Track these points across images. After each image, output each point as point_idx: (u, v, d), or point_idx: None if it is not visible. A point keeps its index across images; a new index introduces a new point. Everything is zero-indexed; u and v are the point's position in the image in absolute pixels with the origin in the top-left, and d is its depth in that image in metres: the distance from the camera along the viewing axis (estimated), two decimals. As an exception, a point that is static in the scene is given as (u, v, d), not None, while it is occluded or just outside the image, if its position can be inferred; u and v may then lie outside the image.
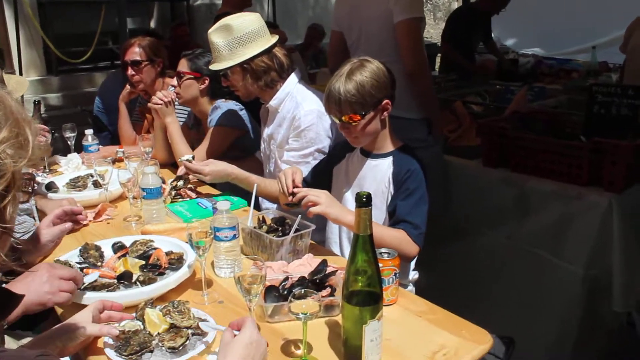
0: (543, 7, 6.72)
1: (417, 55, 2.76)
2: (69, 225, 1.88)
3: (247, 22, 2.40)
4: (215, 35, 2.41)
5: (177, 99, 2.95)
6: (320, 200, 1.89)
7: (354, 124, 1.97)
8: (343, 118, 1.97)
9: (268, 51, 2.43)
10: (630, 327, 2.87)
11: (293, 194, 1.97)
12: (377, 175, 2.08)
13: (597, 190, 2.56)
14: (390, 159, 2.07)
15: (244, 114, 2.94)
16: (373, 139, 2.07)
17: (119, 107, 3.42)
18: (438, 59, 9.91)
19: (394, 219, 1.97)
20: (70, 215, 1.89)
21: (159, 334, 1.46)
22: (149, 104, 2.93)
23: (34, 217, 2.31)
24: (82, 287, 1.69)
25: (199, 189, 2.67)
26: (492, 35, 5.88)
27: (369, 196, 1.29)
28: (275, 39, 2.46)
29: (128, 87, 3.35)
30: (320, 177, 2.27)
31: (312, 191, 1.92)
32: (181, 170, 2.58)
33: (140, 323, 1.51)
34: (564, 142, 2.68)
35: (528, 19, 7.09)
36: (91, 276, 1.73)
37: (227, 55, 2.40)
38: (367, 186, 2.10)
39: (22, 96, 3.95)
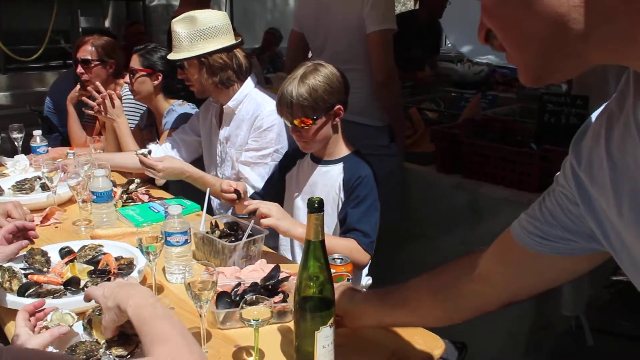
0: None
1: (388, 66, 2.77)
2: (25, 242, 1.79)
3: (213, 17, 2.38)
4: (179, 25, 2.38)
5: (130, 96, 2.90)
6: (271, 213, 1.88)
7: (305, 127, 1.96)
8: (295, 121, 1.96)
9: (229, 49, 2.40)
10: (579, 330, 2.94)
11: (237, 192, 2.03)
12: (328, 181, 2.08)
13: (546, 197, 2.61)
14: (340, 165, 2.07)
15: (199, 117, 2.90)
16: (324, 145, 2.06)
17: (67, 108, 3.33)
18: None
19: (345, 227, 1.97)
20: (22, 230, 1.81)
21: (106, 342, 1.42)
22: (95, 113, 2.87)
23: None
24: (27, 294, 1.63)
25: (152, 192, 2.61)
26: (443, 46, 5.80)
27: (321, 202, 1.28)
28: (238, 40, 2.44)
29: (78, 87, 3.26)
30: (274, 186, 2.26)
31: (263, 204, 1.91)
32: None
33: (67, 312, 1.46)
34: (515, 150, 2.73)
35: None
36: None
37: (187, 46, 2.37)
38: (318, 193, 2.09)
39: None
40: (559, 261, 0.99)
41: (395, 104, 2.92)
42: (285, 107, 1.96)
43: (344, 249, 1.86)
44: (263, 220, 1.87)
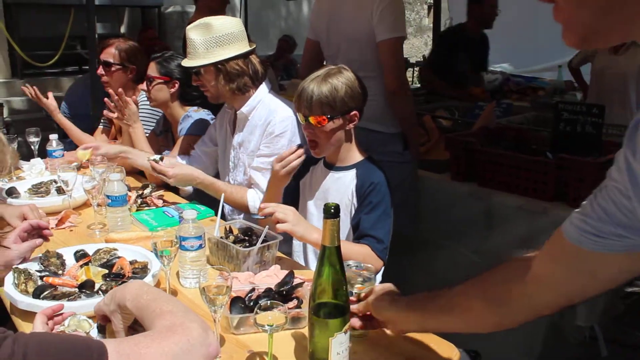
0: (511, 25, 6.84)
1: (399, 74, 2.79)
2: (39, 241, 1.81)
3: (228, 23, 2.38)
4: (194, 32, 2.38)
5: (147, 102, 2.92)
6: (287, 218, 1.87)
7: (319, 126, 1.96)
8: (310, 118, 1.96)
9: (244, 56, 2.41)
10: (593, 340, 2.91)
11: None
12: (341, 187, 2.08)
13: (562, 206, 2.59)
14: (353, 172, 2.06)
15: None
16: (336, 150, 2.06)
17: (58, 120, 3.33)
18: (409, 74, 10.05)
19: (358, 233, 1.97)
20: (37, 229, 1.83)
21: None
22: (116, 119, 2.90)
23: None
24: (42, 296, 1.64)
25: (166, 197, 2.62)
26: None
27: (336, 207, 1.28)
28: (253, 46, 2.45)
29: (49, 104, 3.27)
30: (290, 193, 2.27)
31: (279, 207, 1.91)
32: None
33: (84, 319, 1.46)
34: (531, 158, 2.72)
35: (497, 36, 7.22)
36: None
37: (203, 53, 2.38)
38: (331, 199, 2.09)
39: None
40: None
41: (408, 111, 2.91)
42: (305, 102, 1.96)
43: (358, 254, 1.86)
44: (279, 226, 1.86)
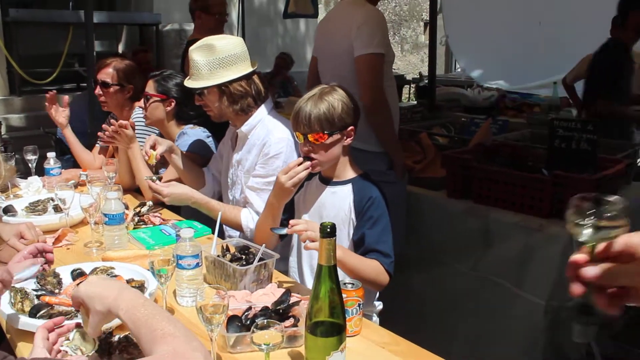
0: (507, 42, 6.91)
1: (373, 90, 2.77)
2: (40, 260, 1.81)
3: (231, 44, 2.40)
4: (197, 53, 2.40)
5: (143, 119, 2.93)
6: (308, 227, 1.86)
7: (317, 143, 1.99)
8: (309, 136, 1.98)
9: (248, 77, 2.43)
10: (590, 357, 2.90)
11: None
12: (336, 202, 2.10)
13: (558, 222, 2.60)
14: (349, 187, 2.09)
15: (210, 141, 2.93)
16: (332, 166, 2.09)
17: (64, 134, 3.35)
18: (405, 90, 10.11)
19: (364, 248, 1.98)
20: (41, 252, 1.83)
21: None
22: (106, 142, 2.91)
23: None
24: (38, 315, 1.64)
25: (163, 215, 2.63)
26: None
27: (333, 227, 1.29)
28: (255, 66, 2.47)
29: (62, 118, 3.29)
30: (287, 210, 2.28)
31: (310, 224, 1.87)
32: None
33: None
34: (527, 175, 2.73)
35: (492, 52, 7.28)
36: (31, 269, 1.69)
37: (206, 74, 2.39)
38: (327, 212, 2.11)
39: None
40: None
41: (386, 129, 2.88)
42: (303, 121, 1.99)
43: (372, 270, 1.90)
44: (309, 244, 1.82)
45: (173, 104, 2.86)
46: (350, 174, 2.12)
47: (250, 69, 2.43)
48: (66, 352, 1.39)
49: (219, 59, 2.37)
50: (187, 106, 2.78)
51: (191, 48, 2.42)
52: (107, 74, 3.19)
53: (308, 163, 2.02)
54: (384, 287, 1.98)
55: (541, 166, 2.84)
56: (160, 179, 2.46)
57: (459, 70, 8.83)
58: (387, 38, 2.90)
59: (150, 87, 2.86)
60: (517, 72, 6.93)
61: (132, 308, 1.19)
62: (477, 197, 2.89)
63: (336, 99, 2.00)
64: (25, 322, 1.61)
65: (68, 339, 1.40)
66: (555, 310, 2.58)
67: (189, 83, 2.45)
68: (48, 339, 1.40)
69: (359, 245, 2.01)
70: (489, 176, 2.84)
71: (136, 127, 3.08)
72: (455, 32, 7.77)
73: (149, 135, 3.12)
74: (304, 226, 1.85)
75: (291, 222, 1.92)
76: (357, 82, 2.79)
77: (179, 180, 2.67)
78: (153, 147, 2.55)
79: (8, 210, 2.53)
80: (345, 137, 2.04)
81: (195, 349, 1.08)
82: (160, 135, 3.07)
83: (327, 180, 2.15)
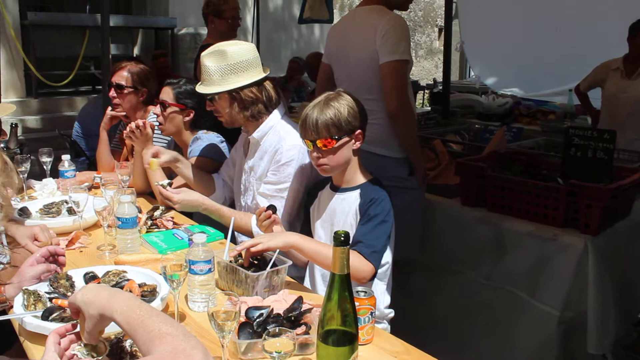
0: (523, 48, 6.87)
1: (400, 97, 2.75)
2: (53, 266, 1.83)
3: (243, 50, 2.40)
4: (209, 59, 2.40)
5: (158, 129, 2.93)
6: (257, 240, 1.91)
7: (327, 149, 2.01)
8: (318, 142, 2.01)
9: (259, 83, 2.43)
10: (604, 369, 2.87)
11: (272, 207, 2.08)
12: (345, 208, 2.11)
13: (573, 232, 2.58)
14: (357, 192, 2.10)
15: (224, 146, 2.93)
16: (342, 171, 2.11)
17: (100, 134, 3.38)
18: (419, 96, 10.09)
19: (351, 242, 1.97)
20: (53, 255, 1.85)
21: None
22: (124, 134, 2.90)
23: (1, 243, 2.25)
24: (50, 318, 1.65)
25: (176, 219, 2.63)
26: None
27: (346, 235, 1.29)
28: (267, 72, 2.47)
29: (108, 112, 3.31)
30: (305, 223, 2.31)
31: (247, 242, 1.93)
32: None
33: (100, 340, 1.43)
34: (541, 184, 2.70)
35: (506, 60, 7.24)
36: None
37: (218, 80, 2.39)
38: (337, 220, 2.12)
39: (-1, 118, 3.89)
40: None
41: (408, 137, 2.85)
42: (310, 127, 2.02)
43: None
44: (253, 249, 1.89)
45: (192, 114, 2.86)
46: (360, 179, 2.13)
47: (262, 75, 2.43)
48: (76, 355, 1.39)
49: (231, 65, 2.37)
50: (204, 116, 2.78)
51: (203, 54, 2.42)
52: (122, 77, 3.20)
53: (269, 212, 2.06)
54: (367, 278, 1.95)
55: (556, 175, 2.81)
56: (170, 184, 2.46)
57: (473, 76, 8.79)
58: (410, 45, 2.88)
59: (169, 96, 2.85)
60: (532, 80, 6.89)
61: (127, 310, 1.19)
62: (491, 205, 2.87)
63: (342, 104, 2.03)
64: (37, 324, 1.61)
65: (80, 345, 1.41)
66: (570, 321, 2.55)
67: (200, 88, 2.46)
68: (59, 344, 1.40)
69: None
70: (503, 184, 2.82)
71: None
72: (471, 38, 7.74)
73: (165, 140, 3.14)
74: (243, 245, 1.92)
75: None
76: (380, 88, 2.78)
77: (189, 186, 2.67)
78: (155, 156, 2.56)
79: (23, 212, 2.55)
80: (353, 141, 2.06)
81: (194, 347, 1.07)
82: (174, 142, 3.08)
83: (336, 188, 2.16)
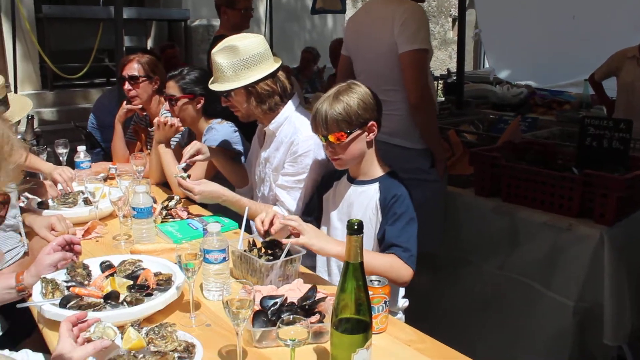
0: (537, 40, 6.80)
1: (420, 87, 2.73)
2: (69, 255, 1.86)
3: (254, 44, 2.38)
4: (220, 56, 2.39)
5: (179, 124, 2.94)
6: (303, 231, 1.87)
7: (339, 143, 1.99)
8: (329, 137, 1.99)
9: (273, 75, 2.42)
10: (619, 360, 2.85)
11: (267, 233, 1.99)
12: (364, 201, 2.09)
13: (588, 222, 2.56)
14: (376, 185, 2.07)
15: (237, 136, 2.94)
16: (358, 163, 2.08)
17: (115, 126, 3.40)
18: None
19: (384, 244, 1.97)
20: (69, 244, 1.88)
21: (144, 356, 1.44)
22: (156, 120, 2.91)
23: (20, 233, 2.29)
24: (68, 306, 1.67)
25: (190, 209, 2.65)
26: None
27: (360, 224, 1.29)
28: (279, 63, 2.46)
29: (125, 106, 3.33)
30: (313, 209, 2.28)
31: (300, 221, 1.90)
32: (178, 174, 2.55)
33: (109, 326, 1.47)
34: (556, 174, 2.69)
35: (522, 51, 7.17)
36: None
37: (232, 76, 2.38)
38: (355, 212, 2.10)
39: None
40: None
41: (429, 127, 2.84)
42: (321, 122, 2.00)
43: (385, 264, 1.87)
44: (293, 240, 1.87)
45: (202, 101, 2.87)
46: (378, 171, 2.10)
47: (275, 67, 2.42)
48: (88, 339, 1.42)
49: (243, 59, 2.35)
50: (214, 102, 2.78)
51: (213, 51, 2.40)
52: (133, 68, 3.22)
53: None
54: (406, 281, 1.95)
55: (571, 165, 2.79)
56: (189, 176, 2.46)
57: (488, 66, 8.72)
58: (429, 34, 2.86)
59: (174, 89, 2.85)
60: (548, 71, 6.81)
61: None
62: (506, 196, 2.86)
63: (352, 97, 1.98)
64: (55, 312, 1.64)
65: (89, 332, 1.44)
66: (585, 311, 2.54)
67: (214, 86, 2.44)
68: (72, 331, 1.43)
69: (382, 242, 2.00)
70: (517, 174, 2.80)
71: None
72: (488, 27, 7.67)
73: (181, 130, 3.15)
74: (295, 223, 1.88)
75: (286, 217, 1.94)
76: (400, 79, 2.76)
77: (208, 176, 2.68)
78: (197, 154, 2.56)
79: (40, 203, 2.58)
80: (367, 133, 2.03)
81: None
82: (189, 129, 3.09)
83: (353, 179, 2.14)
